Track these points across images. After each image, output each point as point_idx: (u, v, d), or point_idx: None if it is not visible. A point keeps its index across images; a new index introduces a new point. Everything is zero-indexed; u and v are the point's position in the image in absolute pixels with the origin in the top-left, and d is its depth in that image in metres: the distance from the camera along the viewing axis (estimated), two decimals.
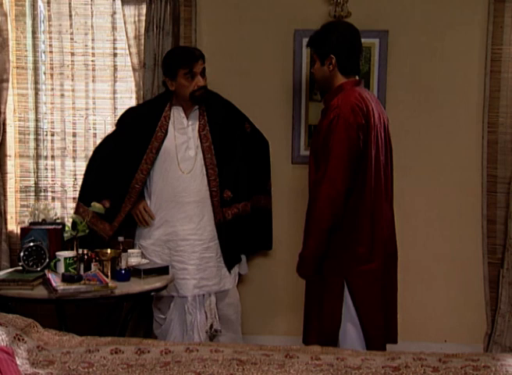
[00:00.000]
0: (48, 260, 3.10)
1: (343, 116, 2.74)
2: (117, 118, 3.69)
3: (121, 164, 3.39)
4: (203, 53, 3.36)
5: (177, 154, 3.36)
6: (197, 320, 3.38)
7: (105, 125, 3.98)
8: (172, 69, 3.32)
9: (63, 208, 4.02)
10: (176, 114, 3.40)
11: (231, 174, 3.44)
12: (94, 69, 3.97)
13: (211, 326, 3.42)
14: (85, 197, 3.47)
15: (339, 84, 2.92)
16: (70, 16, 3.92)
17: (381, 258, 2.88)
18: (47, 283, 2.96)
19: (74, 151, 4.02)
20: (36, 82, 3.99)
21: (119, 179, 3.38)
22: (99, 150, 3.54)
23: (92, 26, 3.94)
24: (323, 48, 2.92)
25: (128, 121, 3.48)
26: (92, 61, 3.96)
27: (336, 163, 2.74)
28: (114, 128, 3.63)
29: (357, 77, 3.00)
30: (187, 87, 3.29)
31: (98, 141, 3.97)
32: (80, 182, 3.99)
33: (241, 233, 3.51)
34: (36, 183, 4.04)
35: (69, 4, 3.91)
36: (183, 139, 3.38)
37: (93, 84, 3.98)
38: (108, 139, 3.55)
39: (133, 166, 3.36)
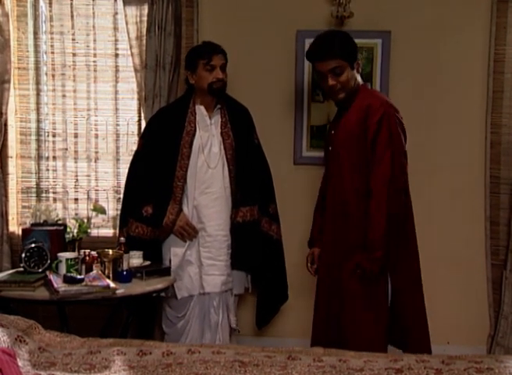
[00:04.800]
0: (49, 261, 3.10)
1: (393, 114, 2.89)
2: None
3: (159, 166, 3.38)
4: (225, 51, 3.39)
5: (203, 150, 3.39)
6: (220, 320, 3.41)
7: (107, 126, 3.97)
8: (193, 60, 3.38)
9: (65, 210, 4.02)
10: (199, 112, 3.43)
11: (242, 175, 3.45)
12: (95, 70, 3.97)
13: (230, 325, 3.48)
14: (131, 209, 3.45)
15: (359, 85, 3.01)
16: (72, 16, 3.92)
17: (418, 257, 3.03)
18: (48, 284, 2.95)
19: (76, 152, 4.02)
20: (37, 83, 3.99)
21: (160, 181, 3.37)
22: (134, 161, 3.51)
23: (94, 26, 3.94)
24: (353, 54, 2.97)
25: (157, 123, 3.48)
26: (94, 62, 3.96)
27: (399, 159, 2.89)
28: (144, 129, 3.62)
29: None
30: (206, 78, 3.33)
31: (100, 142, 3.98)
32: (81, 183, 4.02)
33: (249, 243, 3.49)
34: (37, 184, 4.04)
35: (71, 4, 3.92)
36: (207, 136, 3.42)
37: (94, 85, 3.98)
38: (140, 146, 3.51)
39: (172, 165, 3.36)
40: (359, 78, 3.03)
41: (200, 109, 3.43)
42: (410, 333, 2.98)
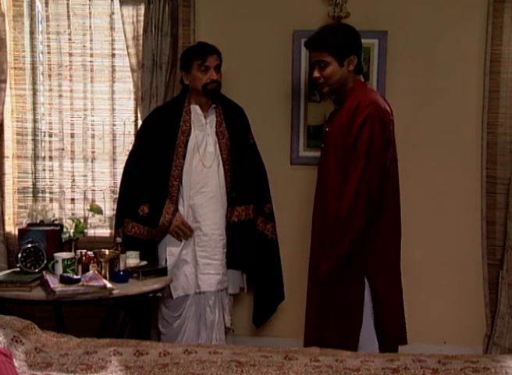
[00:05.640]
0: (45, 261, 3.10)
1: (377, 114, 2.79)
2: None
3: (154, 165, 3.38)
4: (220, 51, 3.39)
5: (199, 149, 3.39)
6: (215, 319, 3.41)
7: (104, 126, 3.97)
8: (188, 61, 3.37)
9: (61, 210, 4.02)
10: (194, 112, 3.43)
11: (237, 175, 3.46)
12: (92, 70, 3.97)
13: (225, 324, 3.48)
14: (127, 208, 3.45)
15: (355, 84, 2.95)
16: (68, 16, 3.92)
17: (399, 257, 2.96)
18: (45, 284, 2.95)
19: (72, 152, 4.02)
20: (34, 83, 3.99)
21: (155, 181, 3.37)
22: (130, 160, 3.51)
23: (90, 26, 3.93)
24: (343, 49, 2.91)
25: (152, 123, 3.48)
26: (90, 61, 3.96)
27: (374, 161, 2.78)
28: (139, 129, 3.63)
29: (361, 76, 3.05)
30: (200, 79, 3.33)
31: (96, 142, 3.98)
32: (78, 183, 4.01)
33: (245, 243, 3.50)
34: (34, 184, 4.03)
35: (67, 4, 3.92)
36: (202, 135, 3.42)
37: (91, 85, 3.98)
38: (135, 146, 3.52)
39: (167, 164, 3.37)
40: (353, 76, 2.96)
41: (196, 109, 3.43)
42: (382, 332, 2.93)
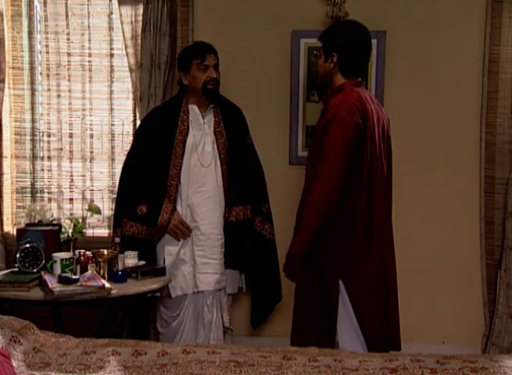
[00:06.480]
0: (44, 261, 3.09)
1: (339, 115, 2.73)
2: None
3: (153, 165, 3.38)
4: (216, 50, 3.39)
5: (197, 148, 3.39)
6: (213, 318, 3.41)
7: (102, 126, 3.97)
8: (186, 61, 3.38)
9: (59, 210, 4.01)
10: (192, 112, 3.44)
11: (235, 174, 3.47)
12: (90, 70, 3.97)
13: (223, 324, 3.48)
14: (126, 208, 3.45)
15: (340, 85, 2.90)
16: (67, 16, 3.92)
17: (378, 260, 2.87)
18: (43, 284, 2.94)
19: (71, 152, 4.02)
20: (32, 82, 3.99)
21: (153, 180, 3.37)
22: (128, 160, 3.51)
23: (89, 26, 3.93)
24: (328, 44, 2.92)
25: (150, 123, 3.48)
26: (89, 61, 3.96)
27: (330, 162, 2.73)
28: (137, 129, 3.63)
29: (359, 79, 2.97)
30: (200, 78, 3.34)
31: (95, 142, 3.98)
32: (76, 183, 4.01)
33: (242, 243, 3.51)
34: (32, 184, 4.03)
35: (66, 4, 3.91)
36: (200, 135, 3.42)
37: (89, 85, 3.98)
38: (134, 146, 3.52)
39: (165, 164, 3.37)
40: (341, 76, 2.90)
41: (193, 108, 3.43)
42: (367, 337, 2.85)
